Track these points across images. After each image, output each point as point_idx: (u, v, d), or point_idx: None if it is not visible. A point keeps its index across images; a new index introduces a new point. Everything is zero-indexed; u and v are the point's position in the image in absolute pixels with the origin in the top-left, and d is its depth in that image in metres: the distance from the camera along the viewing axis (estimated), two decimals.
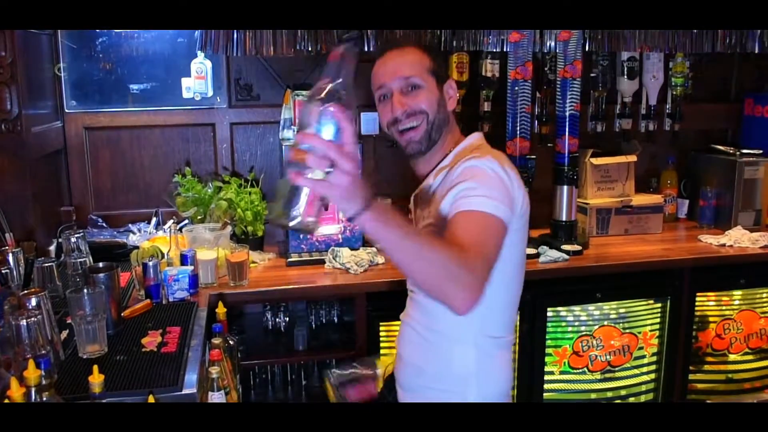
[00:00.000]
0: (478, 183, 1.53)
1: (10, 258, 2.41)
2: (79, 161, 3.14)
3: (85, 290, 1.91)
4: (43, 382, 1.49)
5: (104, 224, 3.14)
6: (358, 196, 1.22)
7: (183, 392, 1.71)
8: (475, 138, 1.81)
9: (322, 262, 2.86)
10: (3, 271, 2.27)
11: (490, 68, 3.12)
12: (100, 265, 2.13)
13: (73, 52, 3.06)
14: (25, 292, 1.83)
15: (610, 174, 3.38)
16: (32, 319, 1.68)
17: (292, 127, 3.01)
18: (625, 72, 3.31)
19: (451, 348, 1.73)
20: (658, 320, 3.07)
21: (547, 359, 2.94)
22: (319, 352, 2.81)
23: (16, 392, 1.38)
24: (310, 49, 2.92)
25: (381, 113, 1.80)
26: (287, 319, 2.99)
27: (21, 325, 1.67)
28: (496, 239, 1.50)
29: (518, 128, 3.01)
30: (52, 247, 2.79)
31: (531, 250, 2.93)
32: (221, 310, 2.27)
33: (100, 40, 3.06)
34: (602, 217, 3.32)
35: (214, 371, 1.88)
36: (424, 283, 1.36)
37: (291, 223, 1.24)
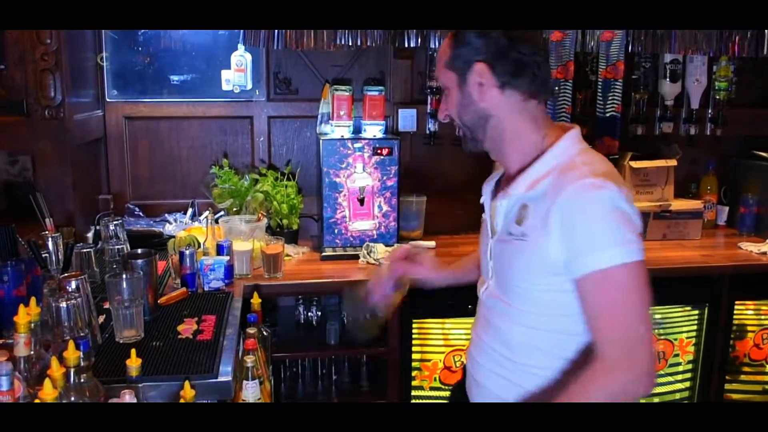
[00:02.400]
0: (602, 226, 1.32)
1: (50, 242, 2.44)
2: (118, 150, 3.16)
3: (124, 275, 1.92)
4: (82, 363, 1.49)
5: (141, 213, 3.16)
6: None
7: (219, 380, 1.70)
8: (572, 139, 1.49)
9: (357, 257, 2.84)
10: (43, 255, 2.29)
11: None
12: (139, 251, 2.13)
13: (116, 42, 3.08)
14: (66, 275, 1.84)
15: (649, 178, 3.32)
16: (72, 301, 1.69)
17: (330, 121, 3.01)
18: (668, 74, 3.24)
19: (535, 379, 1.52)
20: (695, 327, 3.01)
21: None
22: (351, 347, 2.78)
23: (56, 372, 1.37)
24: (350, 43, 2.91)
25: None
26: (319, 313, 2.97)
27: (61, 307, 1.68)
28: (641, 289, 1.32)
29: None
30: (90, 234, 2.81)
31: None
32: (256, 300, 2.26)
33: (143, 31, 3.08)
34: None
35: (250, 360, 1.87)
36: None
37: None
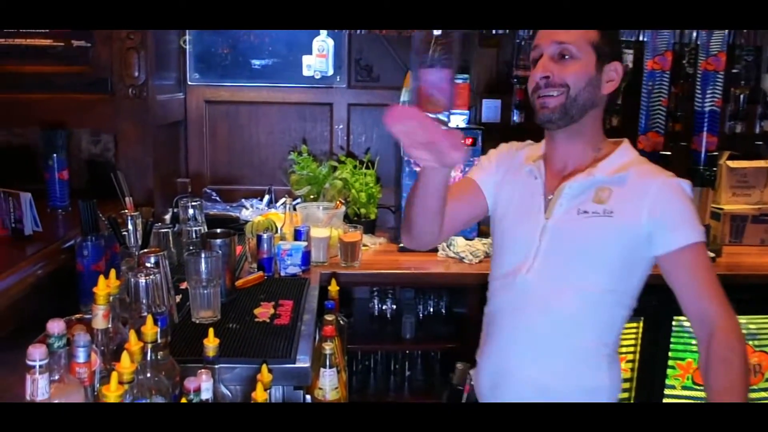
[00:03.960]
0: (690, 209, 1.54)
1: (129, 222, 2.42)
2: (197, 134, 3.15)
3: (203, 254, 1.87)
4: (159, 340, 1.44)
5: (218, 198, 3.14)
6: None
7: (296, 365, 1.64)
8: (630, 145, 1.66)
9: (435, 249, 2.74)
10: (123, 232, 2.27)
11: (624, 58, 2.91)
12: (218, 231, 2.08)
13: None
14: (145, 251, 1.80)
15: (747, 179, 3.11)
16: (151, 277, 1.64)
17: None
18: None
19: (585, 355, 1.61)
20: None
21: (668, 372, 2.72)
22: (426, 342, 2.69)
23: (134, 346, 1.32)
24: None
25: (529, 79, 1.59)
26: (394, 306, 2.89)
27: (140, 282, 1.63)
28: None
29: (652, 122, 2.80)
30: (168, 216, 2.79)
31: None
32: (334, 287, 2.18)
33: None
34: (737, 224, 3.05)
35: (328, 347, 1.79)
36: None
37: None
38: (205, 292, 1.84)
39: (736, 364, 1.44)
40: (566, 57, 1.54)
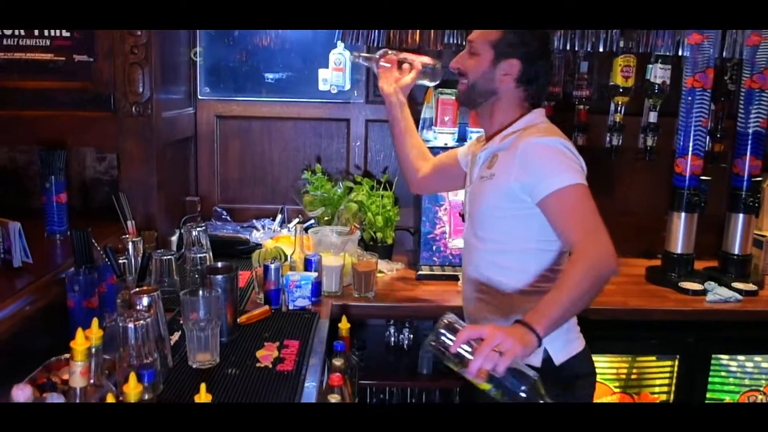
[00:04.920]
0: (553, 160, 1.73)
1: (130, 247, 2.30)
2: (208, 150, 3.03)
3: (201, 293, 1.73)
4: (146, 396, 1.32)
5: (228, 217, 3.01)
6: (521, 342, 1.46)
7: None
8: (537, 114, 1.90)
9: (455, 278, 2.58)
10: (121, 261, 2.15)
11: (660, 74, 2.73)
12: (219, 265, 1.94)
13: (211, 37, 2.95)
14: (137, 290, 1.66)
15: None
16: (140, 322, 1.51)
17: (433, 127, 2.77)
18: None
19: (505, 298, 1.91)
20: None
21: None
22: (445, 378, 2.52)
23: None
24: (459, 42, 2.66)
25: None
26: (411, 336, 2.73)
27: (128, 327, 1.49)
28: (592, 201, 1.70)
29: (691, 144, 2.61)
30: (174, 237, 2.67)
31: (697, 286, 2.54)
32: (344, 325, 2.03)
33: None
34: None
35: (334, 399, 1.64)
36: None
37: None
38: (203, 334, 1.71)
39: (570, 269, 1.61)
40: (472, 53, 1.89)
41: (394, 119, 2.20)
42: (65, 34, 2.37)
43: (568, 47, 2.71)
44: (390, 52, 2.24)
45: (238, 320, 1.99)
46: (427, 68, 2.21)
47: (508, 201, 1.79)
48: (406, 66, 2.20)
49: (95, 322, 1.39)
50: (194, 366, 1.71)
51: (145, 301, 1.64)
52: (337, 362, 1.84)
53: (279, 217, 2.94)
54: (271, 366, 1.74)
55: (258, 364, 1.75)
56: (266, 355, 1.80)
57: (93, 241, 1.96)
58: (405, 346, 2.73)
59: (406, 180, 2.29)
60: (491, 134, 1.93)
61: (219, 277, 1.86)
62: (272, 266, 2.17)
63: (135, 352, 1.50)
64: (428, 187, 2.41)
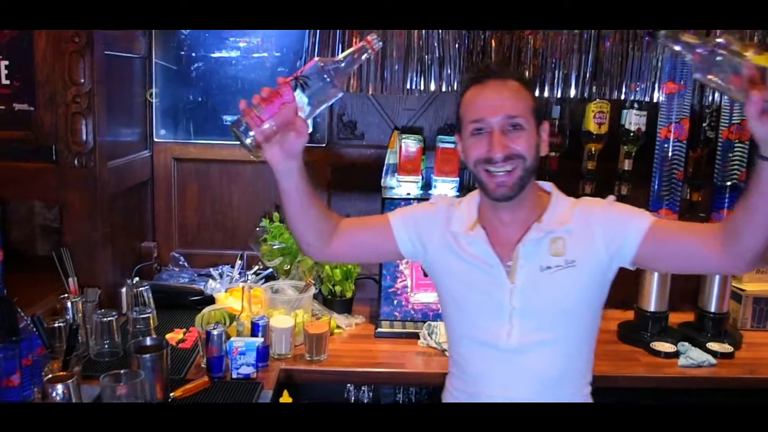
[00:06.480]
0: (629, 207, 1.67)
1: (69, 306, 2.23)
2: (165, 194, 2.96)
3: (123, 375, 1.65)
4: None
5: (186, 264, 2.95)
6: None
7: None
8: (558, 191, 1.75)
9: (416, 335, 2.49)
10: (56, 325, 2.07)
11: (635, 120, 2.65)
12: (148, 341, 1.87)
13: (167, 77, 2.86)
14: (49, 377, 1.58)
15: None
16: None
17: (396, 174, 2.68)
18: None
19: None
20: None
21: None
22: None
23: None
24: (422, 88, 2.58)
25: (472, 147, 1.61)
26: (371, 394, 2.64)
27: None
28: None
29: (665, 195, 2.52)
30: (124, 290, 2.58)
31: (669, 347, 2.46)
32: (285, 400, 1.95)
33: (195, 66, 2.86)
34: (760, 307, 2.75)
35: None
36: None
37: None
38: None
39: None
40: (516, 128, 1.58)
41: (288, 192, 1.59)
42: (5, 81, 2.30)
43: (536, 93, 2.63)
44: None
45: (171, 395, 1.91)
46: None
47: (602, 282, 1.66)
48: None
49: None
50: None
51: (60, 388, 1.57)
52: None
53: (238, 263, 2.86)
54: None
55: None
56: None
57: (17, 312, 1.87)
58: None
59: (304, 250, 1.75)
60: (530, 220, 1.67)
61: (146, 356, 1.78)
62: (215, 332, 2.10)
63: None
64: (340, 258, 2.19)
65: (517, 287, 1.63)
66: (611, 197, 1.70)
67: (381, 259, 2.30)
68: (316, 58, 1.50)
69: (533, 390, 1.64)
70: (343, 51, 1.93)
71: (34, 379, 1.80)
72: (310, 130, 1.61)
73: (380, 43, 1.53)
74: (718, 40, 1.31)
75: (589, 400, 1.74)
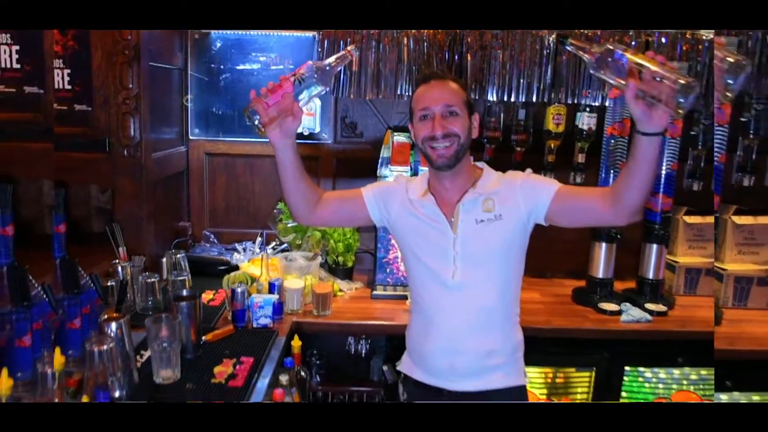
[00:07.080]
0: (539, 177, 1.90)
1: (120, 269, 2.35)
2: (198, 183, 3.07)
3: (164, 319, 1.76)
4: None
5: (215, 240, 3.06)
6: None
7: None
8: (488, 167, 1.94)
9: (405, 297, 2.61)
10: (110, 284, 2.18)
11: (587, 121, 2.76)
12: (184, 292, 1.98)
13: (200, 85, 2.99)
14: (105, 317, 1.70)
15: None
16: (104, 347, 1.55)
17: (389, 166, 2.80)
18: None
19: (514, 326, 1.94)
20: None
21: None
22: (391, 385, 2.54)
23: None
24: (410, 94, 2.69)
25: (419, 129, 1.84)
26: (368, 345, 2.76)
27: (94, 352, 1.54)
28: None
29: (611, 182, 2.64)
30: (164, 258, 2.69)
31: (613, 307, 2.56)
32: (296, 343, 2.08)
33: (224, 76, 2.99)
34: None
35: None
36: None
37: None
38: (164, 355, 1.75)
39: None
40: (453, 114, 1.79)
41: (284, 163, 1.85)
42: (67, 87, 2.42)
43: (505, 98, 2.75)
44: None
45: (203, 338, 2.02)
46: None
47: (523, 231, 1.84)
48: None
49: (5, 371, 1.39)
50: (157, 382, 1.75)
51: (113, 326, 1.68)
52: (283, 378, 1.88)
53: (258, 240, 2.98)
54: (223, 382, 1.78)
55: (213, 380, 1.79)
56: (222, 371, 1.83)
57: (78, 269, 1.98)
58: (363, 355, 2.75)
59: (294, 215, 1.95)
60: (466, 186, 1.86)
61: (183, 303, 1.90)
62: (238, 290, 2.22)
63: (100, 372, 1.55)
64: (323, 223, 2.30)
65: (458, 237, 1.82)
66: (529, 170, 1.90)
67: (355, 224, 2.55)
68: (311, 61, 1.72)
69: (473, 316, 1.82)
70: None
71: (91, 324, 1.91)
72: (304, 113, 1.78)
73: (357, 52, 1.82)
74: (608, 45, 1.51)
75: (518, 327, 1.91)
